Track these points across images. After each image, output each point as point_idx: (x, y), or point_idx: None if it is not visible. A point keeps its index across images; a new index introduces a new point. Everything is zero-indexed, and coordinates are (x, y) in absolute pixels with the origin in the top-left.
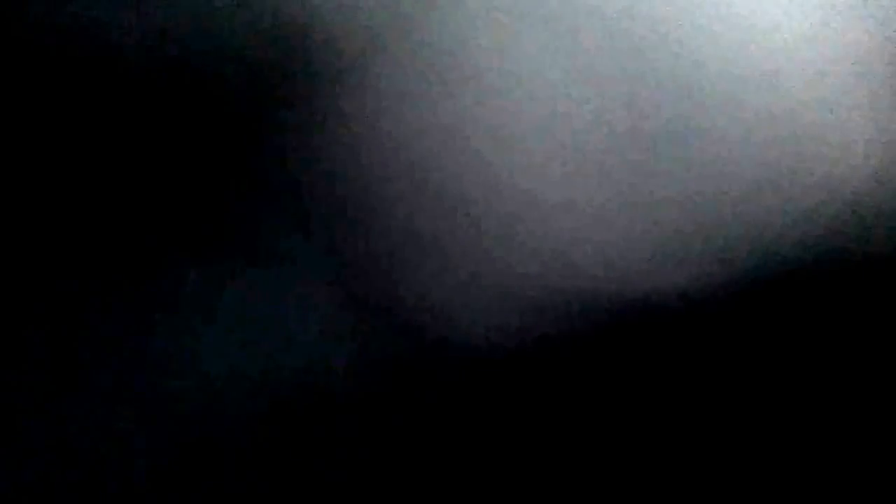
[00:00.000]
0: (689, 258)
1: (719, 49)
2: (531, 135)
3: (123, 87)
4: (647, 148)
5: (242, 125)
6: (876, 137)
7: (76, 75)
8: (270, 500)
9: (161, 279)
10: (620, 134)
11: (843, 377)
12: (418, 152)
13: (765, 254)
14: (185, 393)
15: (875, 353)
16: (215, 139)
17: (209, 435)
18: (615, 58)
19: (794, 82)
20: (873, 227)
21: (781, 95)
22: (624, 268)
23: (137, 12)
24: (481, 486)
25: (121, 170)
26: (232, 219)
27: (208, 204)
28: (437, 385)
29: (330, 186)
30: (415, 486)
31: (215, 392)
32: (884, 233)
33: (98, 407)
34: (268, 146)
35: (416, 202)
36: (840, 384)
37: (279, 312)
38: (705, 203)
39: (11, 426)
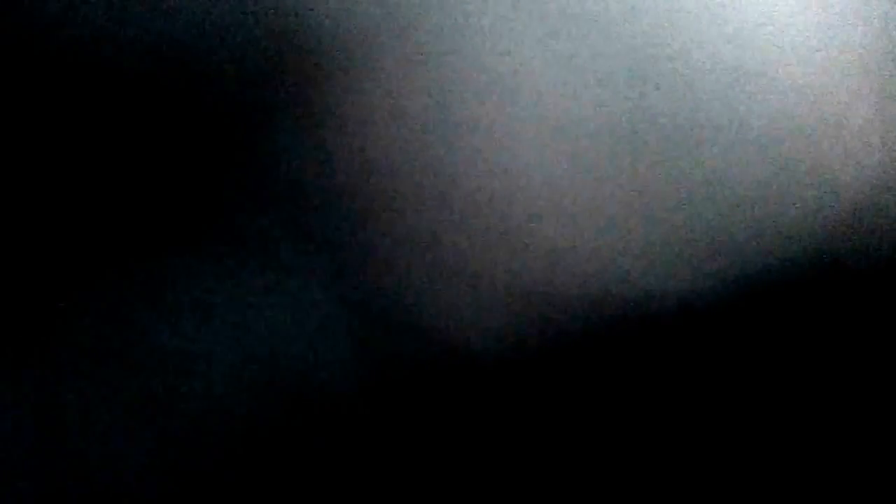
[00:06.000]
0: (689, 260)
1: (720, 50)
2: (531, 136)
3: (123, 87)
4: (648, 150)
5: (242, 125)
6: (876, 138)
7: (75, 73)
8: (268, 499)
9: (160, 279)
10: (621, 136)
11: (843, 379)
12: (418, 152)
13: (765, 256)
14: (182, 392)
15: (875, 354)
16: (215, 139)
17: (207, 435)
18: (616, 59)
19: (794, 83)
20: (874, 229)
21: (782, 96)
22: (624, 269)
23: (138, 11)
24: (481, 487)
25: (120, 170)
26: (231, 219)
27: (208, 204)
28: (436, 385)
29: (330, 186)
30: (414, 486)
31: (213, 392)
32: (884, 234)
33: (94, 406)
34: (267, 145)
35: (416, 202)
36: (841, 385)
37: (278, 312)
38: (706, 205)
39: (6, 425)
